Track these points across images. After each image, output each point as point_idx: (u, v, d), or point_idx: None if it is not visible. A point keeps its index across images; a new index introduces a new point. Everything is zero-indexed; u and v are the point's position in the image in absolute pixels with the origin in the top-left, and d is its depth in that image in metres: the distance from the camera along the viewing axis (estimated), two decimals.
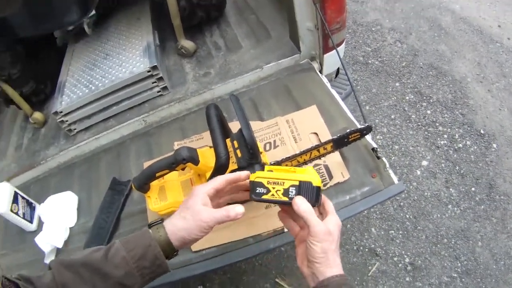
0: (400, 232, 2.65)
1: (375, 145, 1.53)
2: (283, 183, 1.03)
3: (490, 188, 2.74)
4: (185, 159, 1.33)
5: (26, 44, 2.41)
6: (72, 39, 2.69)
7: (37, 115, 2.41)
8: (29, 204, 1.95)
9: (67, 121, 2.18)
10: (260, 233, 1.47)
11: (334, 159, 1.55)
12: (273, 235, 1.46)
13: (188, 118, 2.07)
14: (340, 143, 1.42)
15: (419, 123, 3.17)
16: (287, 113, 1.83)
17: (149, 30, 2.35)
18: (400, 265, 2.50)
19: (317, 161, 1.50)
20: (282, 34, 2.22)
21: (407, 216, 2.70)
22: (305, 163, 1.44)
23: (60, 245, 1.77)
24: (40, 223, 1.92)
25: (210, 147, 1.55)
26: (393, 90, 3.45)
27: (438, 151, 2.98)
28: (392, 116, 3.27)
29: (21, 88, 2.37)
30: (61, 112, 2.13)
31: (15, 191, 1.89)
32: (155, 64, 2.03)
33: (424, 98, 3.32)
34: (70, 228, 1.86)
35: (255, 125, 1.80)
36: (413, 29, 3.94)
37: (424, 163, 2.95)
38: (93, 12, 2.37)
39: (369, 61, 3.77)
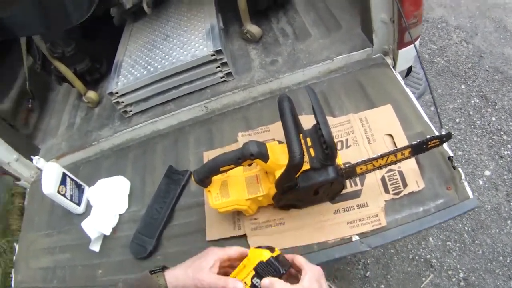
0: (458, 244, 2.54)
1: (451, 154, 1.42)
2: (245, 280, 1.04)
3: None
4: (253, 154, 1.20)
5: (82, 22, 2.33)
6: (130, 18, 2.60)
7: (91, 94, 2.34)
8: (78, 186, 1.88)
9: (122, 102, 2.09)
10: (326, 240, 1.38)
11: (409, 166, 1.43)
12: (339, 244, 1.37)
13: (253, 108, 1.95)
14: (418, 149, 1.31)
15: (484, 130, 3.03)
16: (360, 111, 1.69)
17: (212, 12, 2.22)
18: (453, 279, 2.42)
19: (391, 167, 1.38)
20: (352, 25, 2.07)
21: (466, 228, 2.58)
22: (380, 167, 1.32)
23: (107, 233, 1.71)
24: (88, 206, 1.85)
25: (279, 141, 1.48)
26: (459, 92, 3.32)
27: (502, 161, 2.84)
28: (457, 120, 3.15)
29: (75, 66, 2.30)
30: (117, 93, 2.04)
31: (63, 172, 1.82)
32: (220, 48, 1.91)
33: (490, 103, 3.18)
34: (120, 215, 1.79)
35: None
36: (479, 29, 3.78)
37: (487, 173, 2.81)
38: None
39: (435, 60, 3.63)
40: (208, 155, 1.79)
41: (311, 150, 1.28)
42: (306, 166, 1.23)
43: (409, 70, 2.18)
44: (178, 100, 2.10)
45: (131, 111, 2.14)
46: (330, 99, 1.82)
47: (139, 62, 2.13)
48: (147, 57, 2.13)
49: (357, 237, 1.35)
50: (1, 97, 2.46)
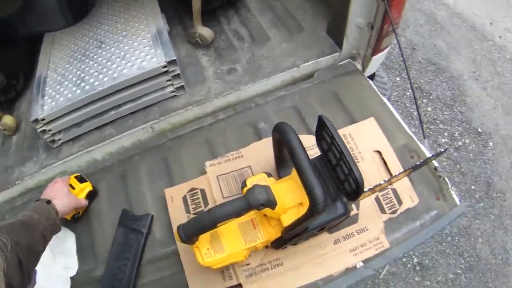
0: None
1: (436, 164, 1.45)
2: None
3: (488, 186, 2.82)
4: (263, 204, 1.05)
5: None
6: None
7: (7, 119, 1.88)
8: None
9: (49, 130, 1.70)
10: (331, 274, 1.31)
11: (401, 183, 1.40)
12: (345, 273, 1.31)
13: (215, 128, 1.70)
14: (417, 168, 1.32)
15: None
16: (340, 126, 1.57)
17: (156, 11, 1.89)
18: (409, 265, 2.55)
19: None
20: (316, 28, 1.92)
21: None
22: (379, 191, 1.34)
23: None
24: None
25: (267, 173, 1.29)
26: (394, 85, 3.40)
27: (440, 149, 2.96)
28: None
29: None
30: (43, 119, 1.65)
31: None
32: (174, 57, 1.62)
33: (425, 94, 3.31)
34: (71, 277, 1.45)
35: (305, 140, 1.39)
36: (410, 22, 3.90)
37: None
38: None
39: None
40: (171, 193, 1.52)
41: None
42: None
43: (372, 75, 2.08)
44: (118, 122, 1.77)
45: (60, 139, 1.75)
46: (305, 115, 1.65)
47: (68, 77, 1.75)
48: (79, 71, 1.75)
49: (361, 263, 1.31)
50: None
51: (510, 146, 3.00)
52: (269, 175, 1.28)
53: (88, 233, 1.54)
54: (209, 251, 1.16)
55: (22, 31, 1.77)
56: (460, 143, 3.00)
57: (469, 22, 3.87)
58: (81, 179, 1.56)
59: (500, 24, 3.83)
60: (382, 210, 1.38)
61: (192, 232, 1.08)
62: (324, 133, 1.15)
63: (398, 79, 3.43)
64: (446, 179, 1.42)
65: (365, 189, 1.21)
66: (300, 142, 1.10)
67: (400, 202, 1.40)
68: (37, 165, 1.75)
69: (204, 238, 1.17)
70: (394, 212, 1.38)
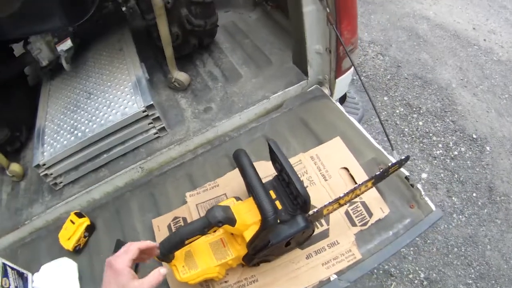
0: (411, 248, 2.62)
1: (407, 173, 1.47)
2: None
3: (490, 190, 2.81)
4: (221, 221, 1.16)
5: None
6: (46, 76, 2.38)
7: (15, 167, 2.09)
8: (21, 275, 1.67)
9: (51, 174, 1.89)
10: (306, 287, 1.34)
11: (370, 195, 1.45)
12: (319, 287, 1.34)
13: (195, 163, 1.84)
14: (380, 178, 1.36)
15: (413, 136, 3.16)
16: (309, 148, 1.68)
17: (136, 62, 2.08)
18: (416, 281, 2.50)
19: (353, 199, 1.40)
20: (283, 59, 2.04)
21: None
22: (345, 204, 1.35)
23: None
24: None
25: (236, 198, 1.41)
26: (383, 105, 3.43)
27: (436, 161, 2.99)
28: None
29: None
30: (44, 164, 1.85)
31: (3, 263, 1.61)
32: (151, 102, 1.79)
33: (414, 109, 3.32)
34: None
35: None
36: (393, 40, 3.95)
37: (424, 175, 2.94)
38: (71, 44, 2.10)
39: (354, 77, 3.68)
40: (158, 223, 1.66)
41: (277, 203, 1.25)
42: None
43: (344, 97, 2.19)
44: (111, 164, 1.94)
45: (61, 182, 1.94)
46: None
47: (63, 127, 1.95)
48: (72, 120, 1.95)
49: (335, 276, 1.33)
50: None
51: (508, 147, 2.99)
52: (237, 199, 1.40)
53: (89, 262, 1.69)
54: (184, 268, 1.29)
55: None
56: (456, 153, 3.00)
57: (451, 30, 3.89)
58: (80, 215, 1.74)
59: (483, 27, 3.86)
60: (353, 223, 1.41)
61: (166, 249, 1.23)
62: (274, 156, 1.29)
63: (385, 98, 3.45)
64: (418, 186, 1.44)
65: (326, 203, 1.29)
66: (250, 164, 1.25)
67: (370, 214, 1.43)
68: (43, 206, 1.93)
69: (179, 256, 1.30)
70: (365, 224, 1.41)
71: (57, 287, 1.61)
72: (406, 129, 3.20)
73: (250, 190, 1.21)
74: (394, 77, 3.60)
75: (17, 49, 2.39)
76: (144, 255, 1.20)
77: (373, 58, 3.83)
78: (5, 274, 1.59)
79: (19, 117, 2.23)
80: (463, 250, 2.56)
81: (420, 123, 3.23)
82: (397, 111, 3.35)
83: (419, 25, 4.03)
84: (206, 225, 1.17)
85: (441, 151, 3.05)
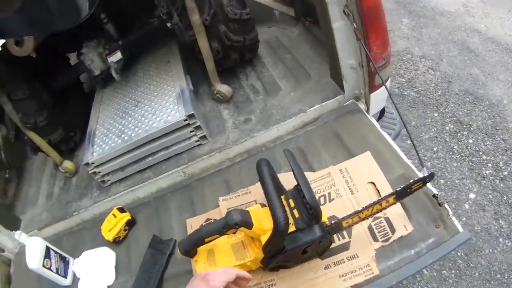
0: (453, 271, 2.53)
1: (435, 191, 1.42)
2: None
3: None
4: (238, 223, 1.24)
5: (53, 92, 2.32)
6: (100, 84, 2.58)
7: (68, 164, 2.29)
8: (63, 258, 1.84)
9: (99, 172, 2.06)
10: None
11: (395, 211, 1.43)
12: None
13: (232, 170, 1.93)
14: (402, 194, 1.32)
15: (462, 154, 3.07)
16: (339, 162, 1.70)
17: (181, 74, 2.22)
18: None
19: (377, 214, 1.38)
20: (321, 74, 2.09)
21: (459, 254, 2.57)
22: (366, 218, 1.33)
23: None
24: (75, 279, 1.82)
25: (262, 204, 1.47)
26: (432, 121, 3.34)
27: (485, 181, 2.86)
28: (435, 149, 3.18)
29: (49, 136, 2.25)
30: (93, 163, 2.02)
31: (46, 246, 1.78)
32: (192, 112, 1.92)
33: (464, 126, 3.22)
34: (108, 286, 1.75)
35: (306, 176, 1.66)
36: (444, 54, 3.86)
37: (472, 196, 2.83)
38: (120, 56, 2.27)
39: (405, 93, 3.68)
40: (191, 223, 1.77)
41: (295, 211, 1.29)
42: (291, 228, 1.25)
43: (383, 111, 2.19)
44: (155, 167, 2.08)
45: (109, 180, 2.10)
46: (308, 154, 1.82)
47: (112, 130, 2.11)
48: (120, 125, 2.11)
49: None
50: None
51: None
52: (263, 205, 1.46)
53: (126, 253, 1.83)
54: (205, 264, 1.39)
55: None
56: (506, 173, 2.86)
57: (503, 44, 3.77)
58: (122, 210, 1.89)
59: None
60: (375, 238, 1.40)
61: (188, 245, 1.34)
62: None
63: (436, 114, 3.37)
64: (446, 206, 1.40)
65: (345, 215, 1.30)
66: (268, 173, 1.32)
67: (393, 230, 1.40)
68: (91, 200, 2.10)
69: (202, 253, 1.41)
70: (386, 240, 1.38)
71: (94, 272, 1.76)
72: (455, 147, 3.13)
73: (266, 197, 1.27)
74: (445, 92, 3.52)
75: (73, 58, 2.60)
76: (238, 282, 1.20)
77: (424, 73, 3.77)
78: (48, 256, 1.75)
79: (74, 120, 2.43)
80: (506, 277, 2.43)
81: (470, 141, 3.13)
82: (447, 127, 3.27)
83: (470, 38, 3.94)
84: (224, 226, 1.26)
85: (490, 171, 2.90)
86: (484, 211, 2.73)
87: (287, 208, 1.29)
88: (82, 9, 1.62)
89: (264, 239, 1.28)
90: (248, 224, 1.25)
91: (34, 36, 1.97)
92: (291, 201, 1.32)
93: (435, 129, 3.29)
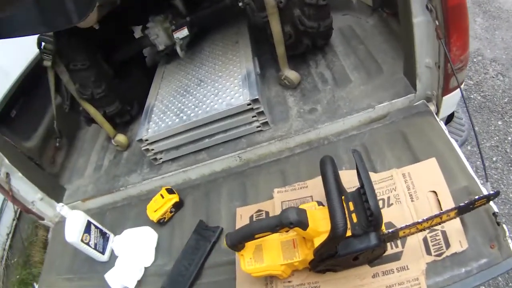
0: None
1: (496, 209, 1.34)
2: None
3: None
4: (292, 223, 1.18)
5: (114, 63, 2.29)
6: (163, 60, 2.55)
7: (120, 137, 2.28)
8: (103, 234, 1.84)
9: (152, 149, 2.03)
10: None
11: (453, 225, 1.35)
12: None
13: (290, 161, 1.86)
14: (464, 210, 1.25)
15: None
16: (403, 165, 1.60)
17: (249, 56, 2.14)
18: None
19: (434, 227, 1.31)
20: (394, 69, 1.97)
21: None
22: (423, 229, 1.28)
23: (132, 286, 1.66)
24: (113, 255, 1.81)
25: (318, 202, 1.43)
26: (496, 129, 3.21)
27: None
28: (494, 159, 3.04)
29: (105, 108, 2.25)
30: (147, 140, 1.99)
31: (88, 220, 1.78)
32: (257, 97, 1.84)
33: None
34: (146, 268, 1.73)
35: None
36: None
37: None
38: (187, 33, 2.22)
39: (472, 96, 3.53)
40: (241, 212, 1.72)
41: (353, 215, 1.24)
42: (347, 233, 1.17)
43: (451, 116, 2.09)
44: (211, 149, 2.03)
45: (161, 158, 2.07)
46: (371, 153, 1.72)
47: (171, 108, 2.07)
48: (180, 103, 2.06)
49: None
50: (28, 134, 2.43)
51: None
52: (319, 203, 1.41)
53: (169, 235, 1.80)
54: (251, 260, 1.34)
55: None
56: None
57: None
58: (170, 191, 1.85)
59: None
60: (428, 252, 1.34)
61: (236, 239, 1.29)
62: (357, 168, 1.27)
63: (500, 123, 3.24)
64: (504, 226, 1.32)
65: (403, 225, 1.25)
66: (333, 173, 1.25)
67: (448, 245, 1.34)
68: (140, 177, 2.08)
69: (249, 248, 1.35)
70: (439, 255, 1.32)
71: (133, 251, 1.74)
72: None
73: (327, 197, 1.21)
74: (511, 101, 3.37)
75: (137, 32, 2.58)
76: None
77: (493, 77, 3.62)
78: (88, 231, 1.76)
79: (132, 93, 2.41)
80: None
81: None
82: (510, 138, 3.14)
83: None
84: (278, 224, 1.21)
85: None
86: None
87: (346, 211, 1.21)
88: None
89: (317, 241, 1.23)
90: (303, 225, 1.20)
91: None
92: (350, 203, 1.27)
93: (497, 137, 3.18)
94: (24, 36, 1.89)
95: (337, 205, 1.15)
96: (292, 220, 1.17)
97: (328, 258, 1.25)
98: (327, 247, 1.20)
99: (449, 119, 2.10)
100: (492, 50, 3.87)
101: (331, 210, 1.15)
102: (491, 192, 1.23)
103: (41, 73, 2.17)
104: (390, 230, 1.25)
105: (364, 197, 1.22)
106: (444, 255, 1.32)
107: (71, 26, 1.71)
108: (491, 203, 1.33)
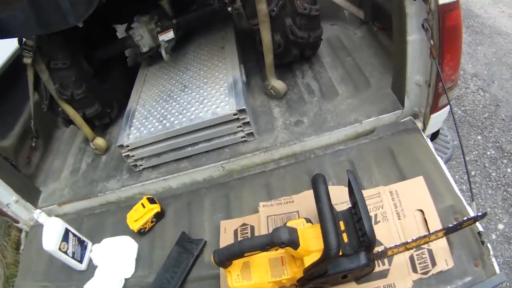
0: None
1: (481, 229, 1.38)
2: None
3: None
4: (284, 243, 1.17)
5: (94, 62, 2.21)
6: (145, 61, 2.48)
7: (99, 141, 2.21)
8: (81, 242, 1.79)
9: (133, 156, 1.97)
10: None
11: (439, 244, 1.38)
12: None
13: (275, 174, 1.83)
14: (452, 230, 1.30)
15: (499, 182, 2.97)
16: (391, 182, 1.61)
17: (235, 63, 2.09)
18: None
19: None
20: (382, 84, 1.96)
21: None
22: (411, 249, 1.30)
23: None
24: (91, 265, 1.76)
25: (306, 219, 1.43)
26: (475, 144, 3.26)
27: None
28: (472, 173, 3.07)
29: (84, 110, 2.17)
30: (128, 146, 1.93)
31: (66, 228, 1.73)
32: (244, 107, 1.80)
33: (506, 154, 3.13)
34: (126, 279, 1.69)
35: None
36: (496, 76, 3.75)
37: (500, 226, 2.75)
38: (173, 35, 2.17)
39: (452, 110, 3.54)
40: (225, 225, 1.68)
41: (344, 235, 1.23)
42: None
43: (436, 133, 2.10)
44: (193, 158, 1.98)
45: (141, 165, 2.01)
46: (358, 169, 1.71)
47: (153, 113, 2.01)
48: (163, 109, 2.01)
49: None
50: (4, 133, 2.33)
51: None
52: (308, 220, 1.41)
53: (150, 246, 1.76)
54: (239, 277, 1.32)
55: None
56: None
57: None
58: (152, 201, 1.80)
59: None
60: (414, 269, 1.36)
61: (224, 256, 1.26)
62: (351, 188, 1.27)
63: (479, 137, 3.29)
64: (488, 245, 1.35)
65: (393, 245, 1.26)
66: (326, 192, 1.24)
67: (434, 264, 1.36)
68: (119, 183, 2.02)
69: (237, 265, 1.33)
70: (426, 273, 1.34)
71: (113, 262, 1.69)
72: (493, 174, 3.04)
73: (320, 218, 1.19)
74: (491, 116, 3.43)
75: (120, 31, 2.50)
76: None
77: (474, 92, 3.68)
78: (66, 239, 1.71)
79: (112, 94, 2.34)
80: None
81: (509, 170, 3.03)
82: (488, 153, 3.19)
83: None
84: (269, 243, 1.19)
85: None
86: (509, 243, 2.67)
87: None
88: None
89: (307, 260, 1.22)
90: (295, 245, 1.19)
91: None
92: (341, 223, 1.26)
93: (476, 152, 3.23)
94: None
95: (331, 227, 1.14)
96: (284, 240, 1.16)
97: (317, 277, 1.24)
98: (319, 267, 1.19)
99: (434, 136, 2.11)
100: (474, 65, 3.94)
101: (325, 232, 1.14)
102: (479, 214, 1.27)
103: (20, 71, 2.09)
104: (379, 250, 1.27)
105: (355, 217, 1.23)
106: (430, 273, 1.34)
107: (68, 27, 1.66)
108: (477, 223, 1.36)
